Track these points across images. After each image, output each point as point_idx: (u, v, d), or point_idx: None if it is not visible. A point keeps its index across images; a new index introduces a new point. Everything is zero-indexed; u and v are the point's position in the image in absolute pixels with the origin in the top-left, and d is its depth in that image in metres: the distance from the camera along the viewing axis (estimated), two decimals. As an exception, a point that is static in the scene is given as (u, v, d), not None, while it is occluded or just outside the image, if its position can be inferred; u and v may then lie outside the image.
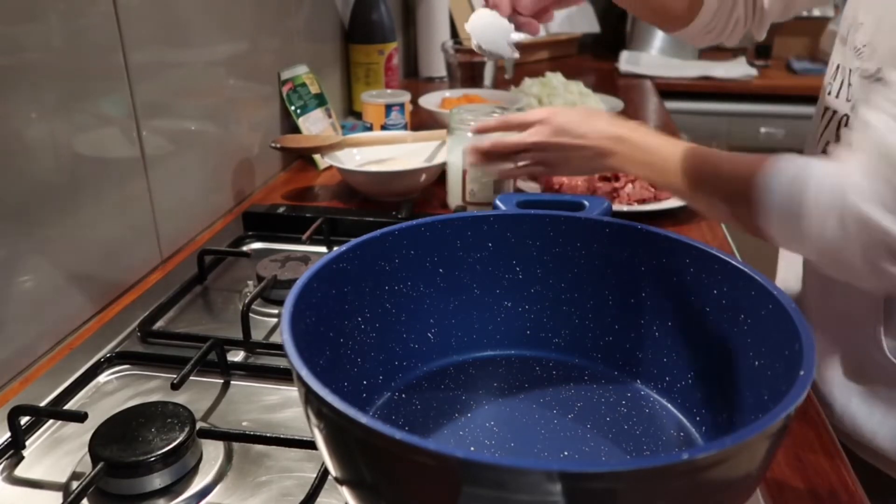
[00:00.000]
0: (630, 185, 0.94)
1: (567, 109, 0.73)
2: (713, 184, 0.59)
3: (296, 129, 1.13)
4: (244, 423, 0.56)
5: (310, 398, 0.36)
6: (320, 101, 1.18)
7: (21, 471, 0.52)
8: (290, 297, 0.43)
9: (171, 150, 0.84)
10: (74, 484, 0.48)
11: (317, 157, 1.14)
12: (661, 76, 1.95)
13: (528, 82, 1.49)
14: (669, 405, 0.52)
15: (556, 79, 1.48)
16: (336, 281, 0.49)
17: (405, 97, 1.23)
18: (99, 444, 0.49)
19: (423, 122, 1.29)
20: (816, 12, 2.13)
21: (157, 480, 0.48)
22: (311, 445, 0.50)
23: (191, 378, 0.57)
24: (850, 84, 0.63)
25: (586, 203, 0.64)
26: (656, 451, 0.48)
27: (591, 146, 0.69)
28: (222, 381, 0.61)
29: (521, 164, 0.75)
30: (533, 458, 0.48)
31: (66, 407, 0.58)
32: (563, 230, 0.55)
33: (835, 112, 0.65)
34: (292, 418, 0.56)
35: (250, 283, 0.75)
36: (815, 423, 0.57)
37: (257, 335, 0.67)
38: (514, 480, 0.30)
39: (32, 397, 0.57)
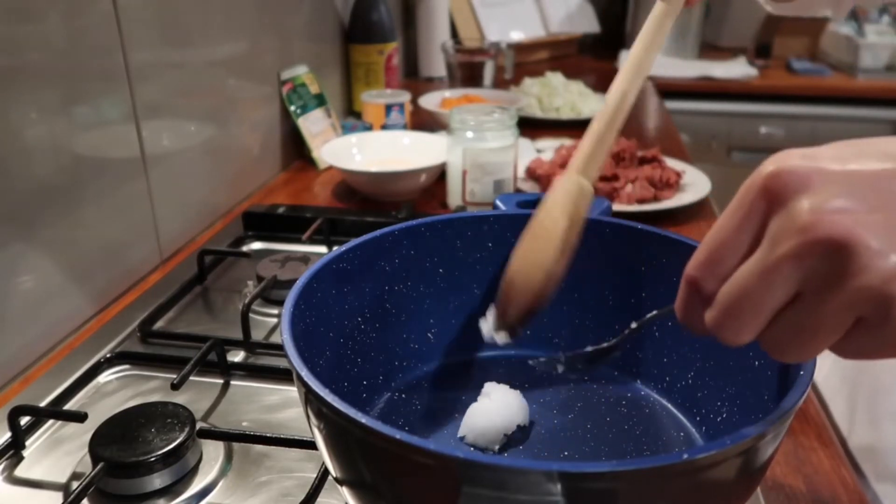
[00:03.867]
0: (630, 185, 0.94)
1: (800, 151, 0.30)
2: None
3: (296, 129, 1.13)
4: (244, 423, 0.56)
5: (310, 398, 0.36)
6: (320, 101, 1.18)
7: (21, 471, 0.52)
8: (290, 297, 0.44)
9: (171, 150, 0.84)
10: (74, 484, 0.48)
11: (317, 156, 1.14)
12: (661, 76, 1.95)
13: (528, 82, 1.50)
14: (669, 405, 0.52)
15: (556, 79, 1.48)
16: (336, 281, 0.49)
17: (405, 97, 1.23)
18: (99, 445, 0.49)
19: (423, 122, 1.29)
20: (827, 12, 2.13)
21: (157, 480, 0.48)
22: (311, 445, 0.50)
23: (191, 378, 0.57)
24: None
25: (586, 203, 0.64)
26: (656, 451, 0.48)
27: None
28: (222, 381, 0.61)
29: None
30: (533, 458, 0.48)
31: (66, 407, 0.58)
32: (563, 230, 0.55)
33: None
34: (292, 418, 0.56)
35: (250, 283, 0.75)
36: (815, 423, 0.57)
37: (257, 335, 0.67)
38: (514, 480, 0.30)
39: (32, 397, 0.57)
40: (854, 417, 0.68)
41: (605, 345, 0.45)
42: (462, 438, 0.49)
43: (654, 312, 0.42)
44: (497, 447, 0.48)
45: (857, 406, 0.68)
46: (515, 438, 0.49)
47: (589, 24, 2.14)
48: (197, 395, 0.59)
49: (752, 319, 0.30)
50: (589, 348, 0.46)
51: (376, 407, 0.52)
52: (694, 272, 0.32)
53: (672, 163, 1.04)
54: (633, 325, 0.44)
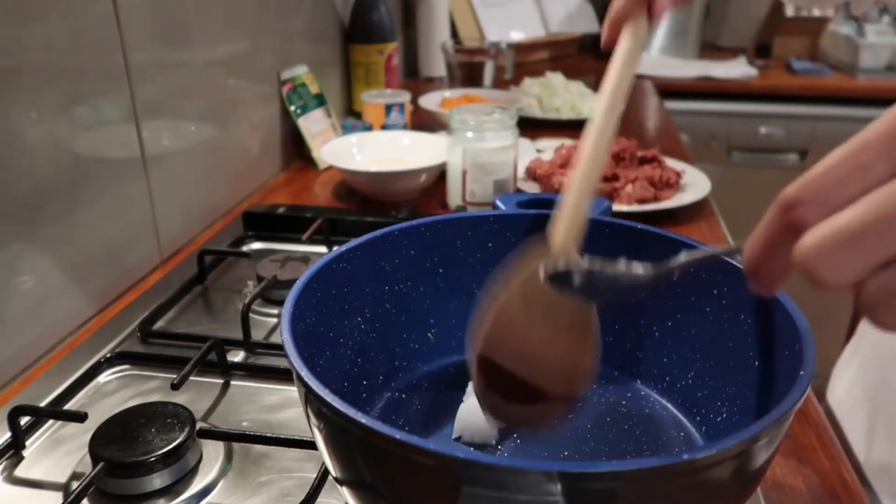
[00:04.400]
0: (630, 185, 0.94)
1: None
2: None
3: (296, 129, 1.13)
4: (244, 423, 0.56)
5: (310, 398, 0.36)
6: (320, 101, 1.18)
7: (21, 471, 0.52)
8: (290, 297, 0.43)
9: (171, 150, 0.84)
10: (74, 484, 0.48)
11: (317, 156, 1.14)
12: (661, 76, 1.95)
13: (528, 82, 1.50)
14: (669, 405, 0.52)
15: (556, 79, 1.48)
16: (336, 281, 0.49)
17: (405, 97, 1.23)
18: (99, 445, 0.49)
19: (423, 122, 1.29)
20: (830, 12, 2.13)
21: (157, 480, 0.48)
22: (311, 445, 0.50)
23: (191, 378, 0.57)
24: None
25: (586, 203, 0.64)
26: (656, 451, 0.48)
27: None
28: (222, 381, 0.61)
29: None
30: (533, 458, 0.48)
31: (66, 407, 0.58)
32: (563, 230, 0.55)
33: None
34: (292, 418, 0.56)
35: (250, 283, 0.75)
36: (815, 423, 0.57)
37: (257, 335, 0.67)
38: (514, 480, 0.30)
39: (32, 397, 0.57)
40: (873, 434, 0.66)
41: (641, 269, 0.36)
42: (458, 440, 0.49)
43: (708, 250, 0.34)
44: (494, 441, 0.48)
45: (877, 422, 0.66)
46: (507, 432, 0.49)
47: (589, 24, 2.14)
48: (197, 395, 0.59)
49: (867, 254, 0.22)
50: (622, 260, 0.37)
51: (376, 407, 0.52)
52: (797, 193, 0.24)
53: (672, 163, 1.04)
54: (683, 258, 0.34)
